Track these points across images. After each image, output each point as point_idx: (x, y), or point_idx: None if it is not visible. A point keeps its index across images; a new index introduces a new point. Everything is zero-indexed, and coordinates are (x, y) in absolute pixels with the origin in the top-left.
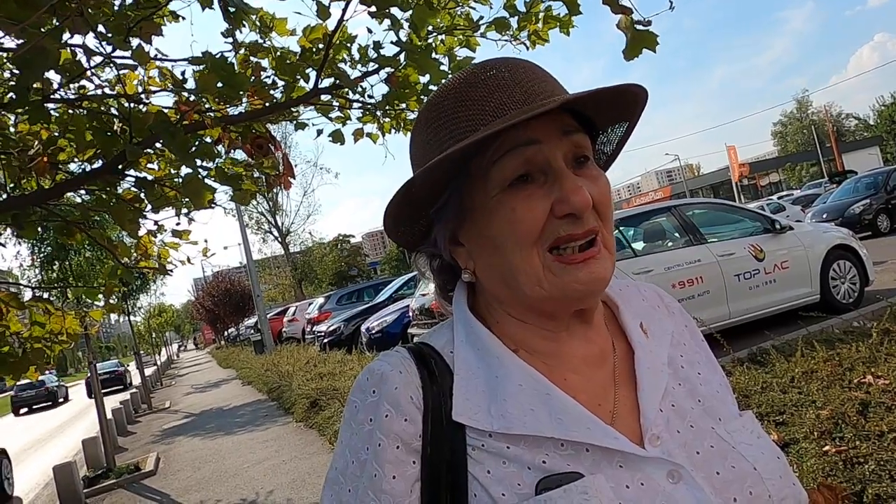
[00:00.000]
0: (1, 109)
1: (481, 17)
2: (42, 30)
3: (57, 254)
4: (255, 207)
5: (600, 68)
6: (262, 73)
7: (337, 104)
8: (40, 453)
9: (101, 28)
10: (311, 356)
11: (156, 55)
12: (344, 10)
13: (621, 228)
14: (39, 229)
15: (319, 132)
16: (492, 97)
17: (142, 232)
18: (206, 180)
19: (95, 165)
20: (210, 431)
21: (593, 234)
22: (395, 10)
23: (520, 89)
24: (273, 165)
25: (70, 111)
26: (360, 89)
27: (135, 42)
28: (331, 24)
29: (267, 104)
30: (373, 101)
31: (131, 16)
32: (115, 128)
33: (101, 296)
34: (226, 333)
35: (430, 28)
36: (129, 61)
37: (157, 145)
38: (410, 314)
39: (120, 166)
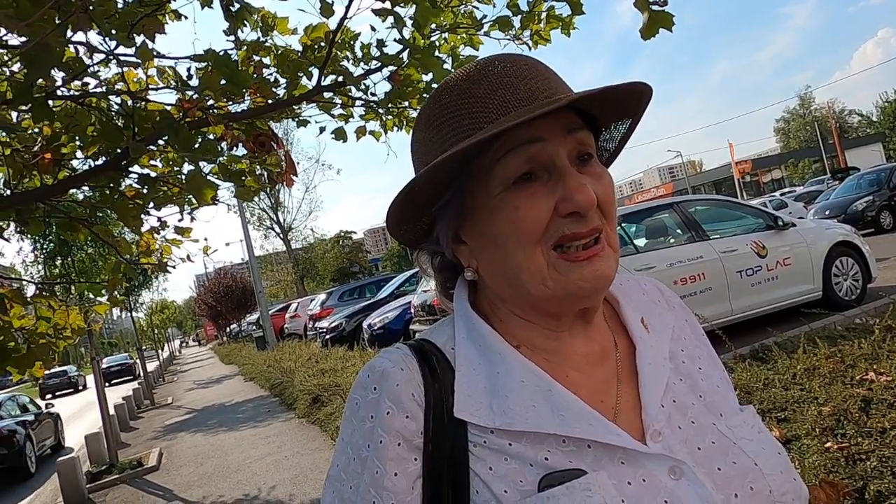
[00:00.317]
0: (5, 106)
1: (484, 16)
2: (45, 27)
3: (60, 250)
4: (256, 204)
5: (602, 67)
6: (264, 70)
7: (339, 102)
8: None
9: (104, 25)
10: (313, 352)
11: (158, 53)
12: (347, 7)
13: (623, 225)
14: (43, 225)
15: (322, 129)
16: (495, 94)
17: (145, 228)
18: (209, 177)
19: (99, 162)
20: (212, 427)
21: (597, 232)
22: (398, 8)
23: (523, 87)
24: (275, 162)
25: (73, 107)
26: (362, 87)
27: (138, 39)
28: (333, 21)
29: (269, 101)
30: (375, 98)
31: (135, 13)
32: (119, 124)
33: (103, 291)
34: (228, 329)
35: (433, 26)
36: (132, 58)
37: (160, 142)
38: (412, 311)
39: (123, 163)
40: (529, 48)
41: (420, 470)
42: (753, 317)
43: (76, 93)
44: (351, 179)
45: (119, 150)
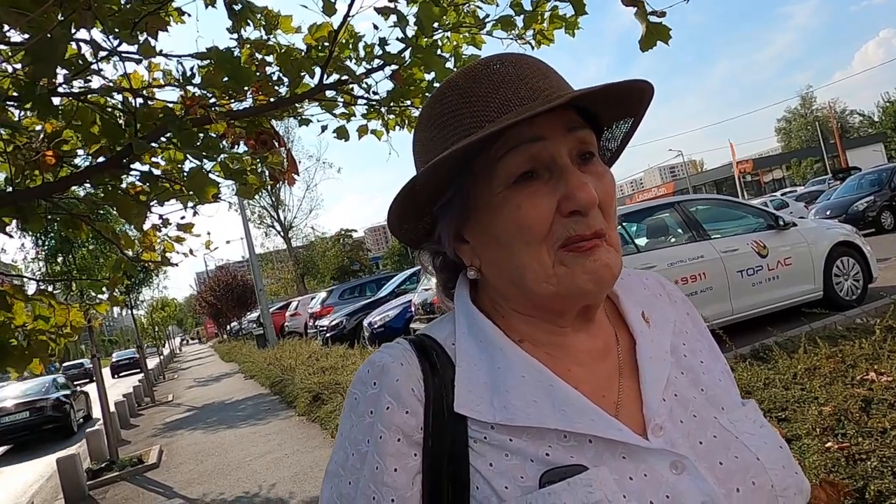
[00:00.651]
0: (8, 103)
1: (487, 16)
2: (52, 24)
3: (61, 247)
4: (257, 202)
5: (605, 65)
6: (266, 68)
7: (341, 100)
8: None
9: (108, 22)
10: (314, 350)
11: (161, 51)
12: (350, 6)
13: (624, 224)
14: (45, 222)
15: (324, 128)
16: (496, 93)
17: (147, 225)
18: (211, 175)
19: (101, 159)
20: (212, 425)
21: (600, 237)
22: (401, 7)
23: (524, 85)
24: (277, 161)
25: (76, 105)
26: (364, 86)
27: (141, 37)
28: (336, 19)
29: (272, 99)
30: (377, 97)
31: (138, 10)
32: (121, 122)
33: (104, 289)
34: (228, 327)
35: (435, 25)
36: (135, 56)
37: (163, 139)
38: (413, 309)
39: (125, 160)
40: (532, 48)
41: (420, 465)
42: (754, 316)
43: (79, 90)
44: (352, 178)
45: (121, 148)
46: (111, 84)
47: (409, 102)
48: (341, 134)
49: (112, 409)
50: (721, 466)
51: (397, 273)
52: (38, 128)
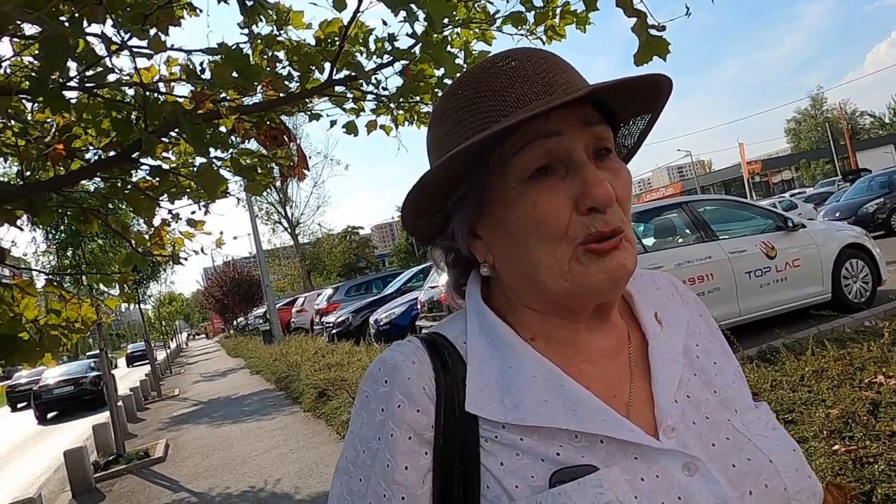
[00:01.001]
0: (19, 96)
1: (497, 11)
2: (61, 19)
3: (71, 240)
4: (265, 198)
5: (614, 64)
6: (277, 64)
7: (351, 96)
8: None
9: (120, 16)
10: (320, 347)
11: (172, 45)
12: (360, 1)
13: (632, 224)
14: (55, 216)
15: (333, 123)
16: (512, 88)
17: (157, 220)
18: (221, 171)
19: (111, 154)
20: (218, 419)
21: (619, 234)
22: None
23: (540, 80)
24: (287, 156)
25: (87, 99)
26: (374, 81)
27: (152, 31)
28: (346, 14)
29: (281, 95)
30: (387, 93)
31: (149, 5)
32: (130, 116)
33: (115, 283)
34: (234, 323)
35: (445, 21)
36: (146, 50)
37: (172, 134)
38: (419, 307)
39: (135, 154)
40: (543, 43)
41: (431, 464)
42: (761, 318)
43: (89, 84)
44: (360, 173)
45: (131, 142)
46: (123, 79)
47: (418, 98)
48: (350, 129)
49: (119, 402)
50: (734, 469)
51: (403, 270)
52: (49, 121)
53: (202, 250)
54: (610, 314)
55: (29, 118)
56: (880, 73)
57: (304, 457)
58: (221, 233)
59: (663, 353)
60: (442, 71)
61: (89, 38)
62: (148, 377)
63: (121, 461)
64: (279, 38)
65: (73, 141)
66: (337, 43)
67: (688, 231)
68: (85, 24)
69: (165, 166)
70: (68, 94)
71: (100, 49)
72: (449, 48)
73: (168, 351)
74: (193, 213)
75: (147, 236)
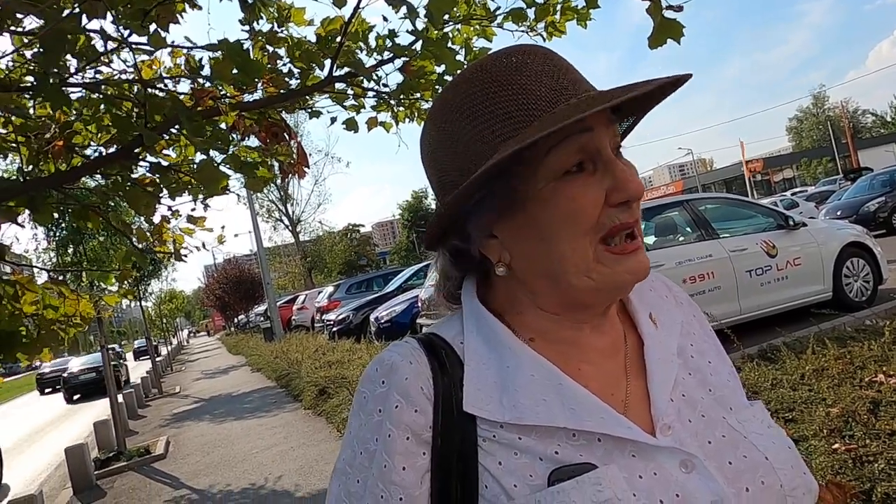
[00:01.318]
0: (20, 93)
1: (498, 8)
2: (62, 13)
3: (72, 237)
4: (266, 196)
5: (616, 59)
6: (277, 61)
7: (351, 92)
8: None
9: (119, 12)
10: (320, 344)
11: (173, 42)
12: None
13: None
14: (55, 213)
15: (333, 120)
16: (540, 84)
17: (157, 217)
18: (221, 167)
19: (112, 150)
20: (219, 417)
21: (639, 223)
22: None
23: (563, 77)
24: (287, 153)
25: (88, 95)
26: (374, 78)
27: (152, 28)
28: (347, 10)
29: (282, 91)
30: (387, 90)
31: (149, 1)
32: (131, 112)
33: (114, 280)
34: (235, 320)
35: (446, 17)
36: (146, 46)
37: (173, 130)
38: (419, 304)
39: (136, 151)
40: (544, 39)
41: (428, 464)
42: (762, 316)
43: (89, 80)
44: (361, 169)
45: (131, 139)
46: (123, 74)
47: (418, 95)
48: (351, 126)
49: (120, 399)
50: (730, 466)
51: (404, 268)
52: (49, 114)
53: (203, 247)
54: (609, 311)
55: (31, 113)
56: (883, 72)
57: (305, 454)
58: (223, 227)
59: (659, 353)
60: (442, 68)
61: (89, 35)
62: (149, 374)
63: (122, 458)
64: (280, 35)
65: (73, 137)
66: (337, 40)
67: (689, 229)
68: (85, 19)
69: (165, 163)
70: (69, 90)
71: (100, 46)
72: (449, 45)
73: (169, 348)
74: (193, 209)
75: (148, 233)
